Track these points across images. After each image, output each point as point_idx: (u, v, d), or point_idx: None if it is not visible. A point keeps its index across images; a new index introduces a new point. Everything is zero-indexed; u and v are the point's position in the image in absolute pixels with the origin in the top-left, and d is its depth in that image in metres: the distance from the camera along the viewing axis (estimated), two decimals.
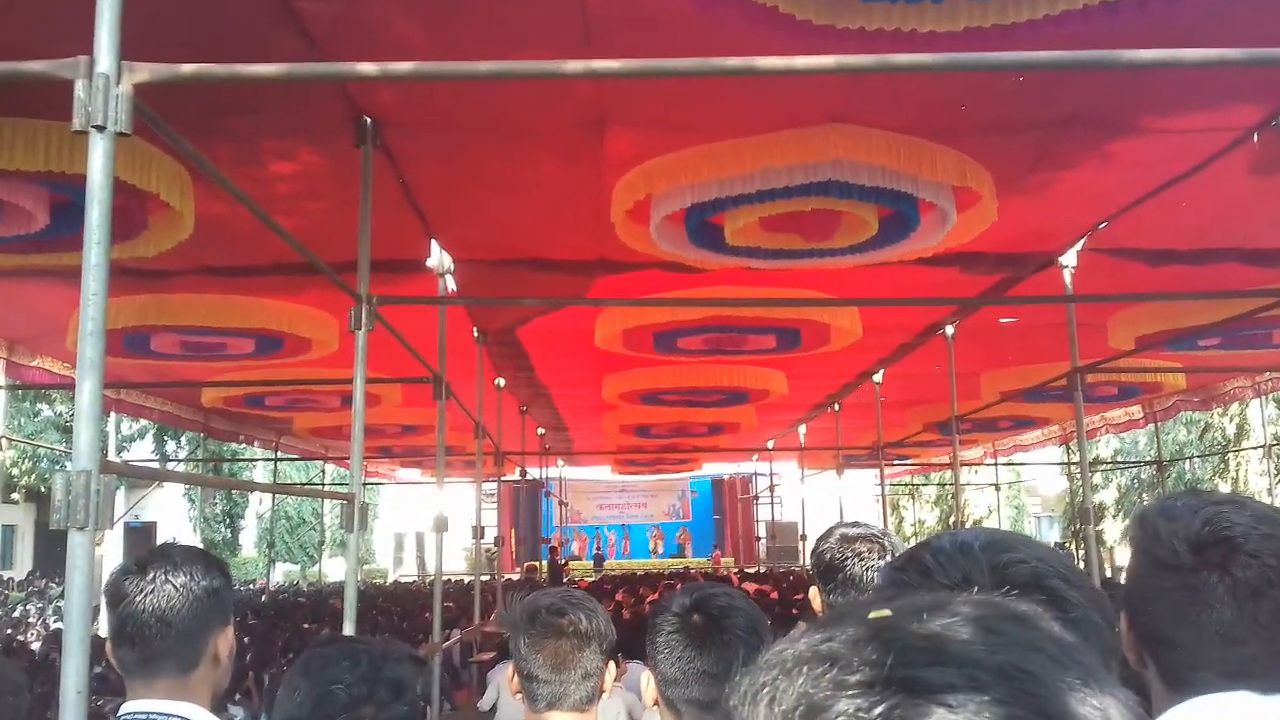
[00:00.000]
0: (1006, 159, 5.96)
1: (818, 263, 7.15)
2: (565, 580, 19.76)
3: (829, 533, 2.40)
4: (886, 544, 2.32)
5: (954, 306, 9.81)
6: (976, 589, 0.98)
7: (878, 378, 13.46)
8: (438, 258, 7.58)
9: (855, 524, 2.41)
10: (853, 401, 15.71)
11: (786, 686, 0.52)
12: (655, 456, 23.62)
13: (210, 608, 1.97)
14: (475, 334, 10.27)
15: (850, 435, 17.39)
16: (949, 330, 10.52)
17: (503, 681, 6.68)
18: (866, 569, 2.26)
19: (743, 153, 5.51)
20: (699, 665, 1.89)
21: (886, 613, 0.54)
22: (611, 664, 2.14)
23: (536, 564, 23.94)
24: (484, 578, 16.37)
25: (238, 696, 7.64)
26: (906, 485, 33.34)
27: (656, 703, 1.95)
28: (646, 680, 1.96)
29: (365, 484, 24.71)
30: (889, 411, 14.73)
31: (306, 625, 12.63)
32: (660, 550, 35.39)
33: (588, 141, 5.74)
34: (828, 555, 2.34)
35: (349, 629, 4.62)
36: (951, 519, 32.12)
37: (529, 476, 18.88)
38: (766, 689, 0.52)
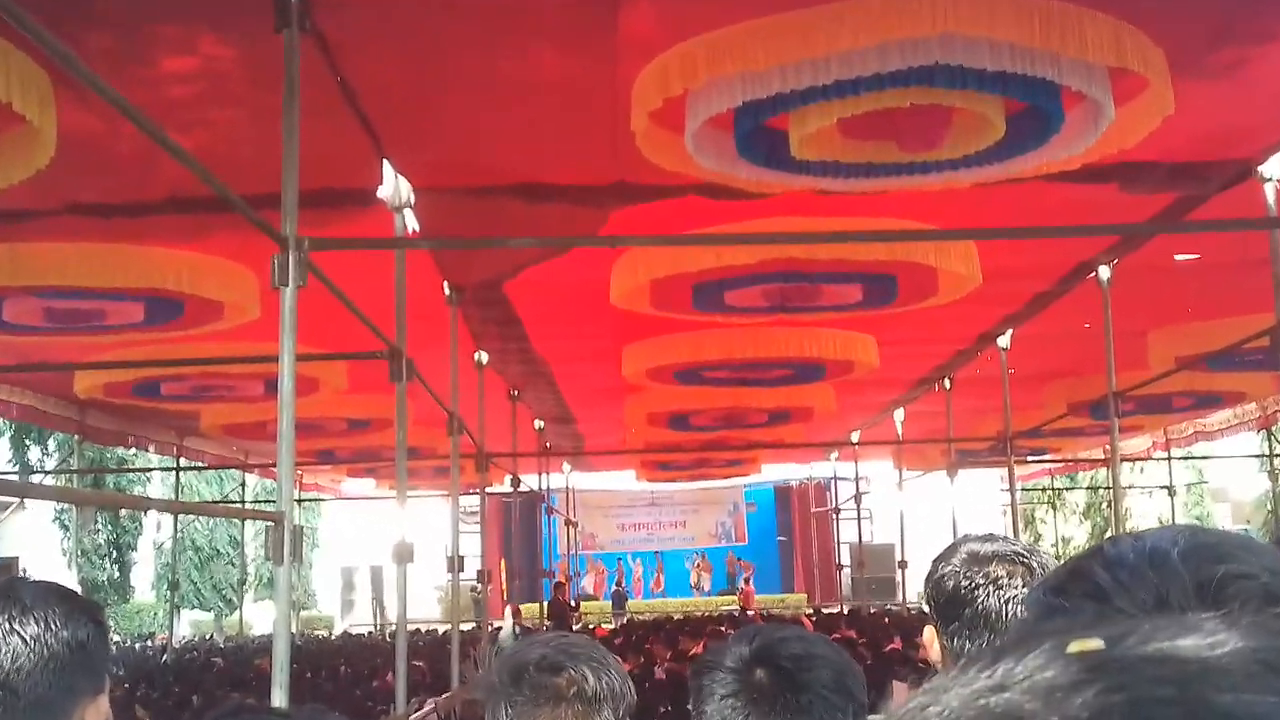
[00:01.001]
0: (1184, 30, 5.87)
1: (920, 181, 7.10)
2: (577, 629, 19.88)
3: (952, 550, 2.38)
4: (1034, 564, 2.29)
5: (1112, 238, 9.71)
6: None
7: (1004, 341, 13.38)
8: (392, 186, 7.57)
9: (989, 538, 2.38)
10: (969, 376, 15.65)
11: None
12: (697, 457, 23.66)
13: (74, 668, 1.92)
14: (446, 291, 10.27)
15: (966, 423, 17.27)
16: (1104, 273, 10.43)
17: None
18: (1006, 601, 2.23)
19: (813, 27, 5.45)
20: None
21: (1097, 644, 0.49)
22: None
23: (518, 608, 24.02)
24: (465, 627, 16.43)
25: None
26: (1045, 490, 33.28)
27: None
28: None
29: (300, 501, 25.18)
30: (1020, 389, 14.66)
31: (224, 695, 12.79)
32: (706, 586, 35.59)
33: (596, 19, 5.71)
34: (950, 582, 2.31)
35: (279, 699, 4.64)
36: (1108, 535, 31.97)
37: (523, 487, 18.89)
38: None
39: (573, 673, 2.08)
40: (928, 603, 2.39)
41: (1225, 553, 1.02)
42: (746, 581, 32.28)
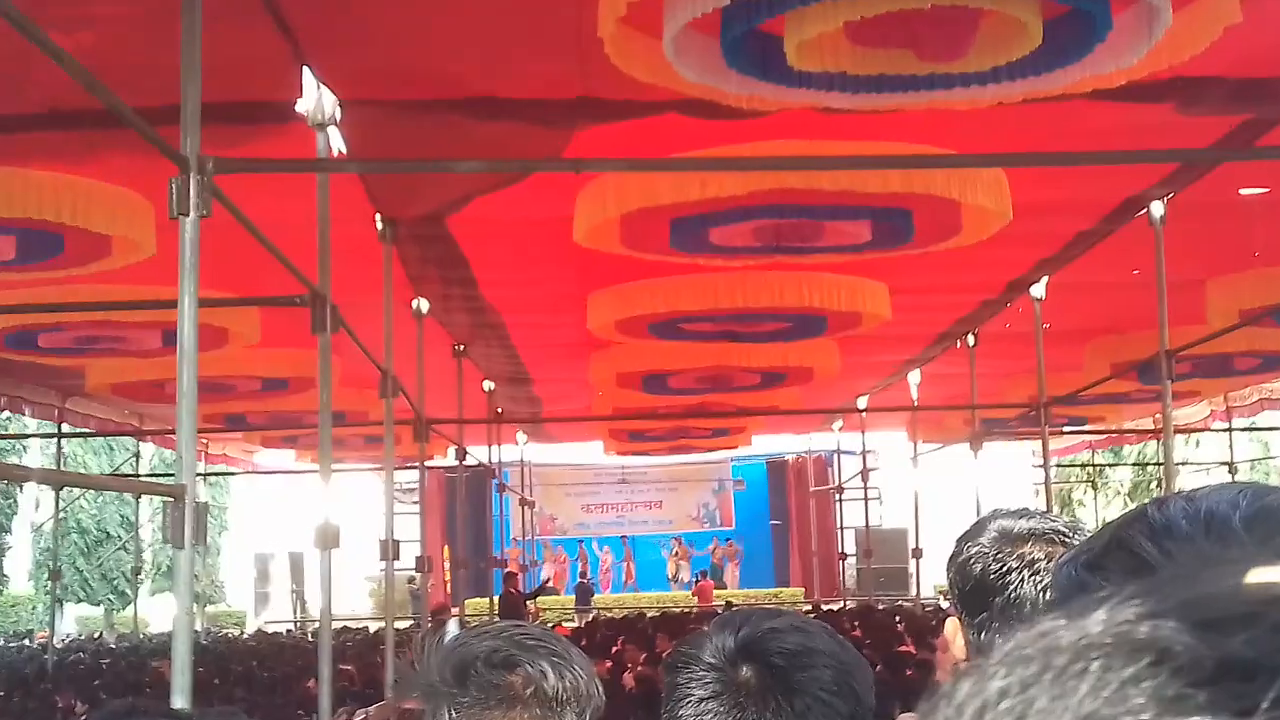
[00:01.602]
0: None
1: (941, 98, 7.09)
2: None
3: (980, 528, 2.38)
4: (1077, 543, 2.30)
5: (1167, 167, 9.74)
6: None
7: (1038, 290, 13.42)
8: (314, 98, 7.52)
9: (1024, 513, 2.38)
10: (996, 331, 15.73)
11: (1048, 705, 0.47)
12: (675, 426, 23.68)
13: None
14: (379, 225, 10.25)
15: (993, 387, 17.35)
16: (1156, 209, 10.45)
17: None
18: (1043, 588, 2.23)
19: None
20: None
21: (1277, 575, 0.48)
22: None
23: (446, 607, 23.89)
24: (401, 625, 16.45)
25: None
26: (1084, 466, 33.49)
27: None
28: None
29: (204, 474, 25.12)
30: (1056, 347, 14.72)
31: (116, 701, 12.80)
32: (685, 577, 35.73)
33: None
34: (978, 565, 2.31)
35: (179, 705, 4.65)
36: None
37: (470, 461, 18.86)
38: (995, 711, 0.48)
39: (529, 669, 2.03)
40: (951, 589, 2.40)
41: None
42: (704, 575, 32.36)
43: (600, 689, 2.10)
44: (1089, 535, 2.24)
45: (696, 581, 31.85)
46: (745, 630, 1.93)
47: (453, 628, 20.21)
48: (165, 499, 4.81)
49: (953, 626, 2.38)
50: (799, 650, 1.91)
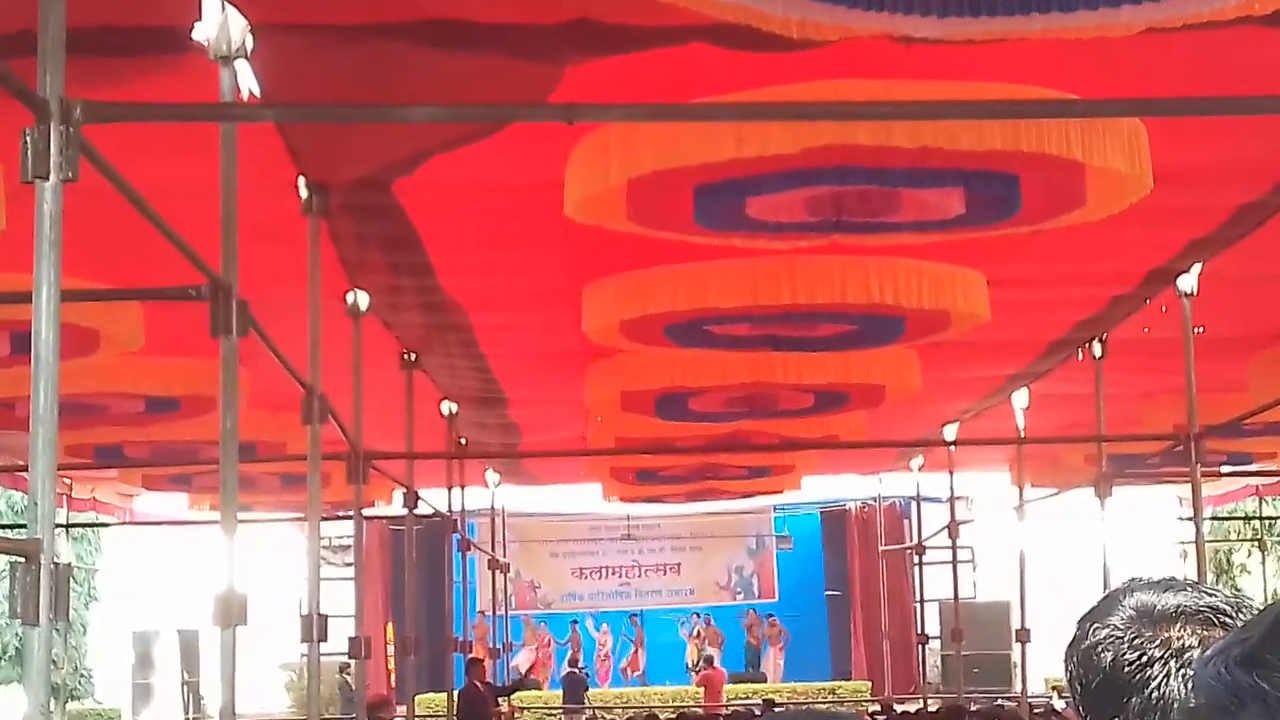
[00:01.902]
0: None
1: (1061, 23, 7.09)
2: None
3: (1112, 604, 2.40)
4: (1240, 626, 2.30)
5: None
6: None
7: (1188, 283, 13.41)
8: (216, 21, 7.51)
9: (1171, 584, 2.41)
10: (1132, 338, 15.72)
11: None
12: (699, 464, 23.71)
13: None
14: (303, 192, 10.26)
15: (1126, 413, 17.35)
16: None
17: None
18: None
19: None
20: None
21: None
22: None
23: (389, 702, 23.88)
24: None
25: None
26: (1249, 519, 33.46)
27: None
28: None
29: (67, 525, 25.10)
30: (1212, 359, 14.72)
31: None
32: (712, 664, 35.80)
33: None
34: (1109, 654, 2.33)
35: None
36: None
37: (424, 509, 18.82)
38: None
39: None
40: (1072, 686, 2.40)
41: None
42: (710, 663, 32.47)
43: None
44: (1252, 617, 2.25)
45: (703, 671, 31.92)
46: None
47: None
48: (14, 558, 4.81)
49: None
50: None
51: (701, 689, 30.71)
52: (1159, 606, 2.35)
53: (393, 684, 30.38)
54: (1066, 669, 2.41)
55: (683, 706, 25.91)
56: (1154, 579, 2.42)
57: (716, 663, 35.17)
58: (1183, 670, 2.28)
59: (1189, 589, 2.39)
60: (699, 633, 36.30)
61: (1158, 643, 2.30)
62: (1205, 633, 2.30)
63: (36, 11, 5.09)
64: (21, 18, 5.10)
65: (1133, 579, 2.45)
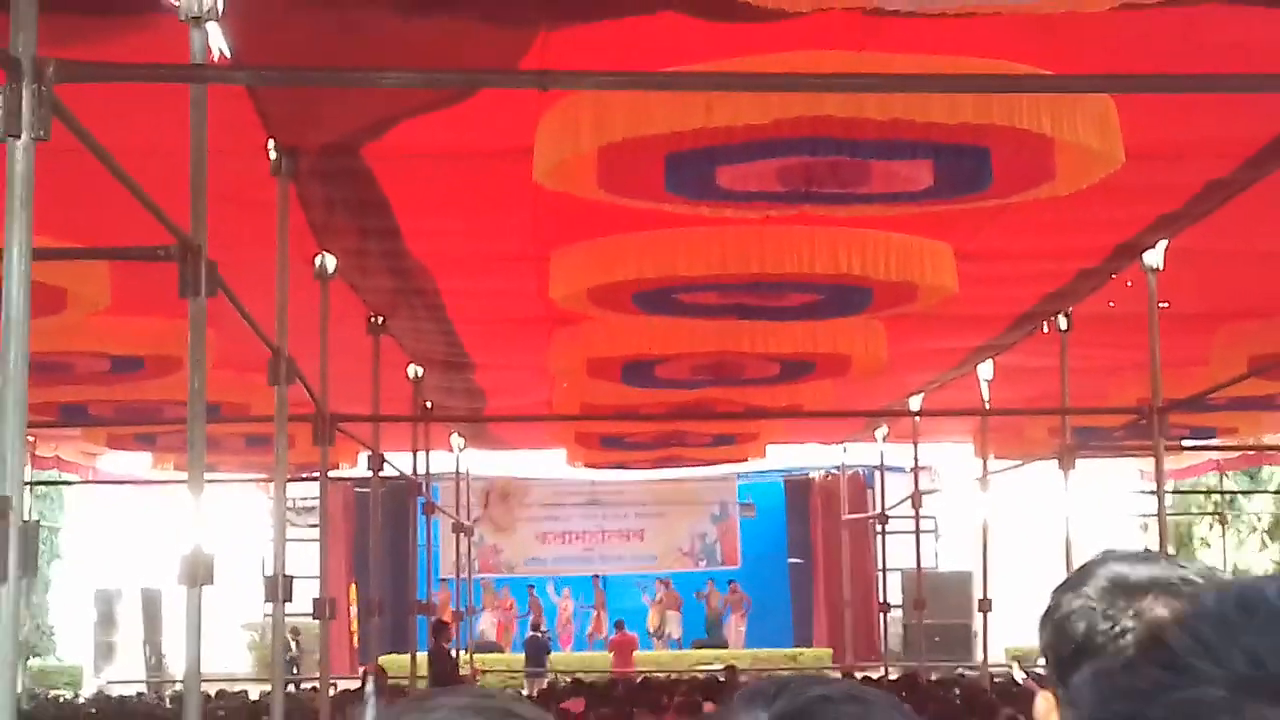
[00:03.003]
0: None
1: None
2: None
3: (1085, 575, 2.41)
4: None
5: None
6: None
7: (1154, 258, 13.43)
8: None
9: (1145, 556, 2.43)
10: (1097, 312, 15.80)
11: None
12: (664, 430, 23.73)
13: None
14: (272, 155, 10.25)
15: (1090, 386, 17.38)
16: None
17: None
18: None
19: None
20: None
21: None
22: None
23: (379, 669, 23.88)
24: (292, 689, 16.39)
25: None
26: (1211, 494, 33.58)
27: None
28: None
29: (32, 483, 24.91)
30: (1178, 334, 14.78)
31: None
32: (673, 632, 35.86)
33: None
34: (1082, 623, 2.35)
35: None
36: None
37: (389, 471, 18.76)
38: None
39: None
40: (1044, 655, 2.42)
41: None
42: (621, 626, 32.35)
43: None
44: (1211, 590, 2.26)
45: (614, 638, 31.86)
46: (783, 701, 1.86)
47: (368, 695, 20.24)
48: None
49: (1045, 705, 2.40)
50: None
51: (611, 654, 30.62)
52: (1132, 578, 2.36)
53: (354, 646, 30.37)
54: (1041, 638, 2.42)
55: (645, 671, 25.84)
56: (1129, 551, 2.43)
57: (676, 631, 35.24)
58: None
59: (1163, 561, 2.40)
60: (661, 598, 36.28)
61: (1130, 613, 2.31)
62: (1178, 605, 2.31)
63: None
64: None
65: (1107, 550, 2.46)
